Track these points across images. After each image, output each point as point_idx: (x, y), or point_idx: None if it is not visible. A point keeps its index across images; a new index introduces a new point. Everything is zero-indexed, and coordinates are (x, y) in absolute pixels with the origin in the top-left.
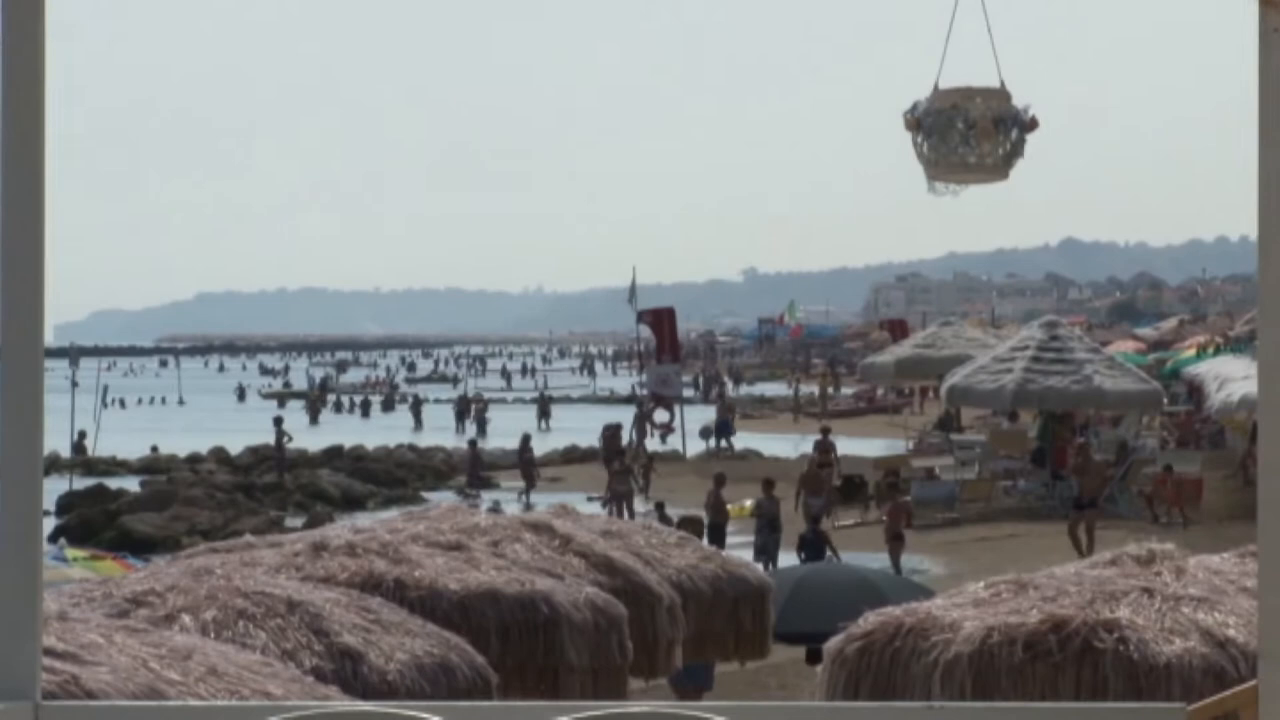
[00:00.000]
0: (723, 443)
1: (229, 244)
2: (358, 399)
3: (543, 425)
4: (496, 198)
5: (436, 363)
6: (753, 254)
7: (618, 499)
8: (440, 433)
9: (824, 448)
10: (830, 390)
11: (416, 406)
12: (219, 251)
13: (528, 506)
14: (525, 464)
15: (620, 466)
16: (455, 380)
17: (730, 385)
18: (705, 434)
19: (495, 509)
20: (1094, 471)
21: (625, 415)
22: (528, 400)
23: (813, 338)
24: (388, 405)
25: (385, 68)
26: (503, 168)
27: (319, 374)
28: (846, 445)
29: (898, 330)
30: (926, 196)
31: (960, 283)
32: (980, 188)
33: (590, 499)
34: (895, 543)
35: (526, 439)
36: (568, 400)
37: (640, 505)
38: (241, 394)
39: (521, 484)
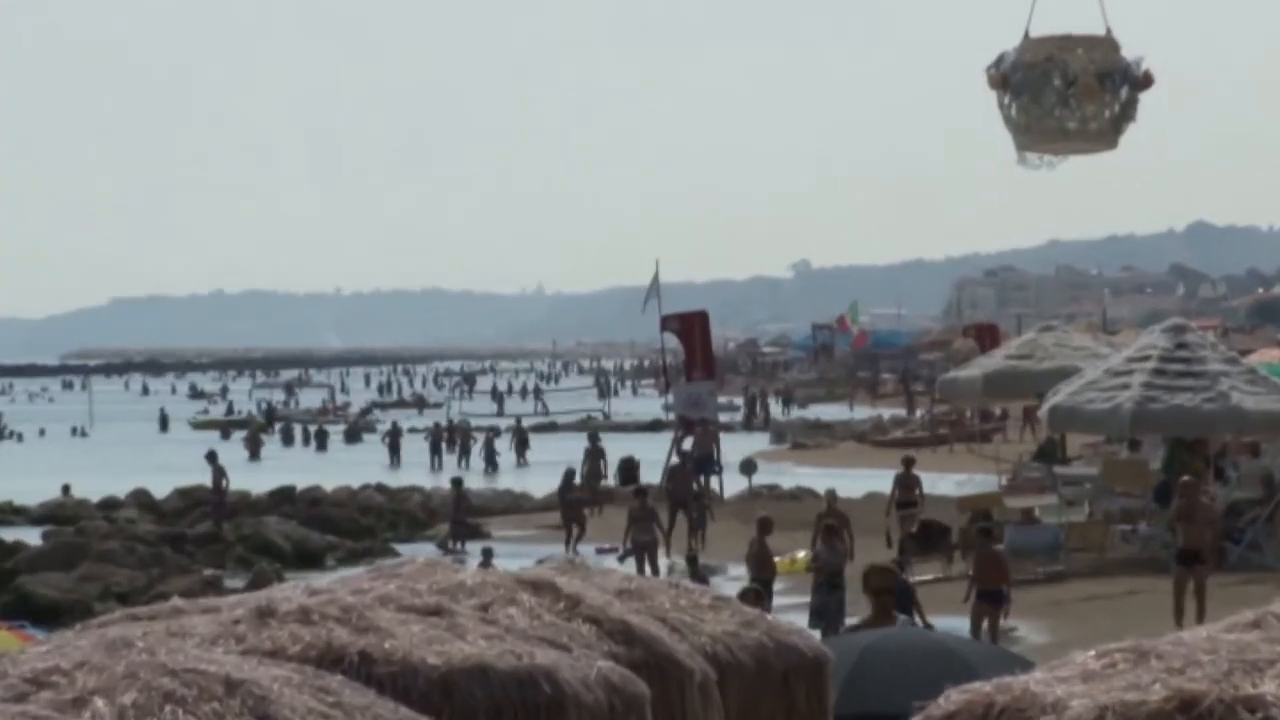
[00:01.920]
0: (704, 481)
1: (151, 239)
2: (313, 429)
3: (521, 460)
4: (482, 178)
5: (412, 381)
6: (805, 245)
7: (639, 550)
8: (417, 470)
9: (906, 483)
10: (904, 413)
11: (394, 438)
12: (139, 248)
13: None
14: (570, 506)
15: (641, 510)
16: (436, 404)
17: (779, 406)
18: (746, 469)
19: (485, 562)
20: (1201, 516)
21: (647, 445)
22: (533, 426)
23: (881, 347)
24: (352, 436)
25: (347, 29)
26: (489, 143)
27: (265, 398)
28: (925, 482)
29: (986, 337)
30: (1018, 171)
31: (1064, 278)
32: (1083, 159)
33: (601, 551)
34: (985, 602)
35: (570, 476)
36: (577, 429)
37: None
38: (165, 423)
39: (563, 532)
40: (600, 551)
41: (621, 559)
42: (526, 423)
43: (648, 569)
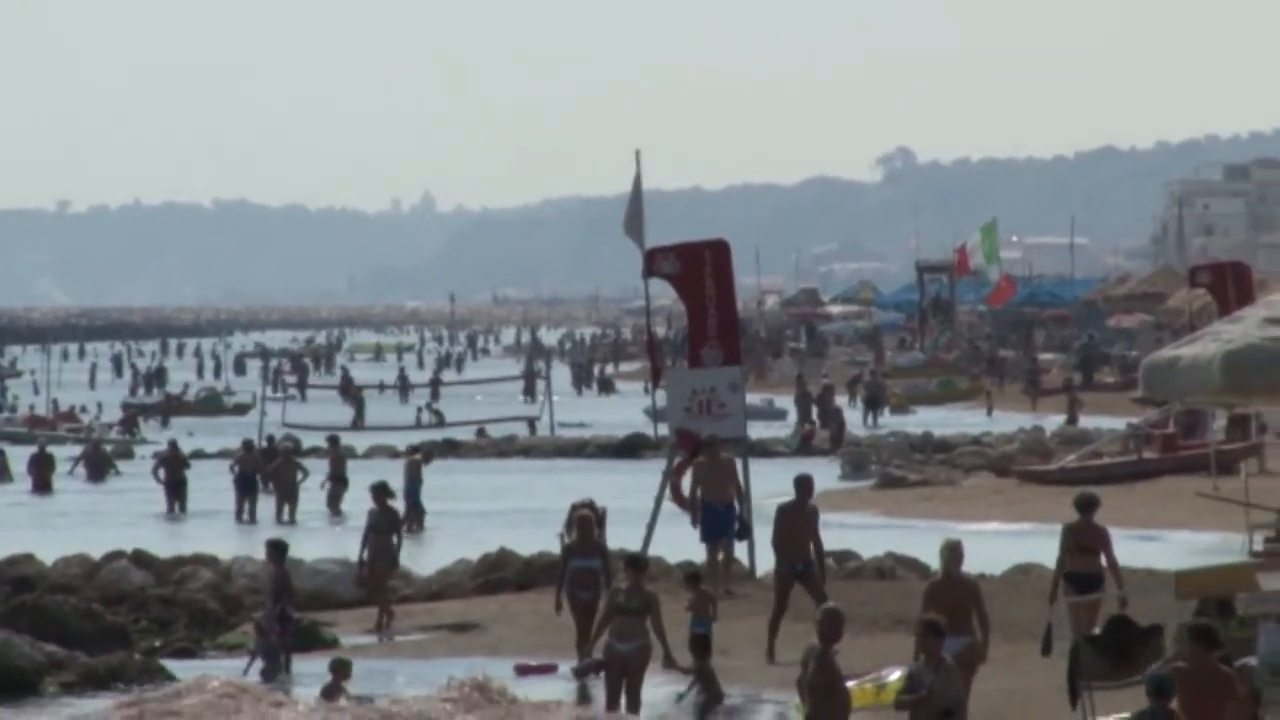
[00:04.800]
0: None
1: None
2: (22, 452)
3: (334, 512)
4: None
5: (202, 367)
6: (905, 126)
7: (614, 666)
8: (211, 525)
9: (1085, 541)
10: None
11: (170, 467)
12: None
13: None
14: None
15: (632, 595)
16: (239, 407)
17: (858, 412)
18: None
19: (335, 686)
20: None
21: (621, 479)
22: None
23: (1040, 304)
24: (95, 469)
25: None
26: None
27: None
28: (1124, 546)
29: (1230, 285)
30: None
31: None
32: None
33: (525, 670)
34: None
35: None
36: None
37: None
38: None
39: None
40: (524, 672)
41: (583, 675)
42: (411, 441)
43: (623, 700)
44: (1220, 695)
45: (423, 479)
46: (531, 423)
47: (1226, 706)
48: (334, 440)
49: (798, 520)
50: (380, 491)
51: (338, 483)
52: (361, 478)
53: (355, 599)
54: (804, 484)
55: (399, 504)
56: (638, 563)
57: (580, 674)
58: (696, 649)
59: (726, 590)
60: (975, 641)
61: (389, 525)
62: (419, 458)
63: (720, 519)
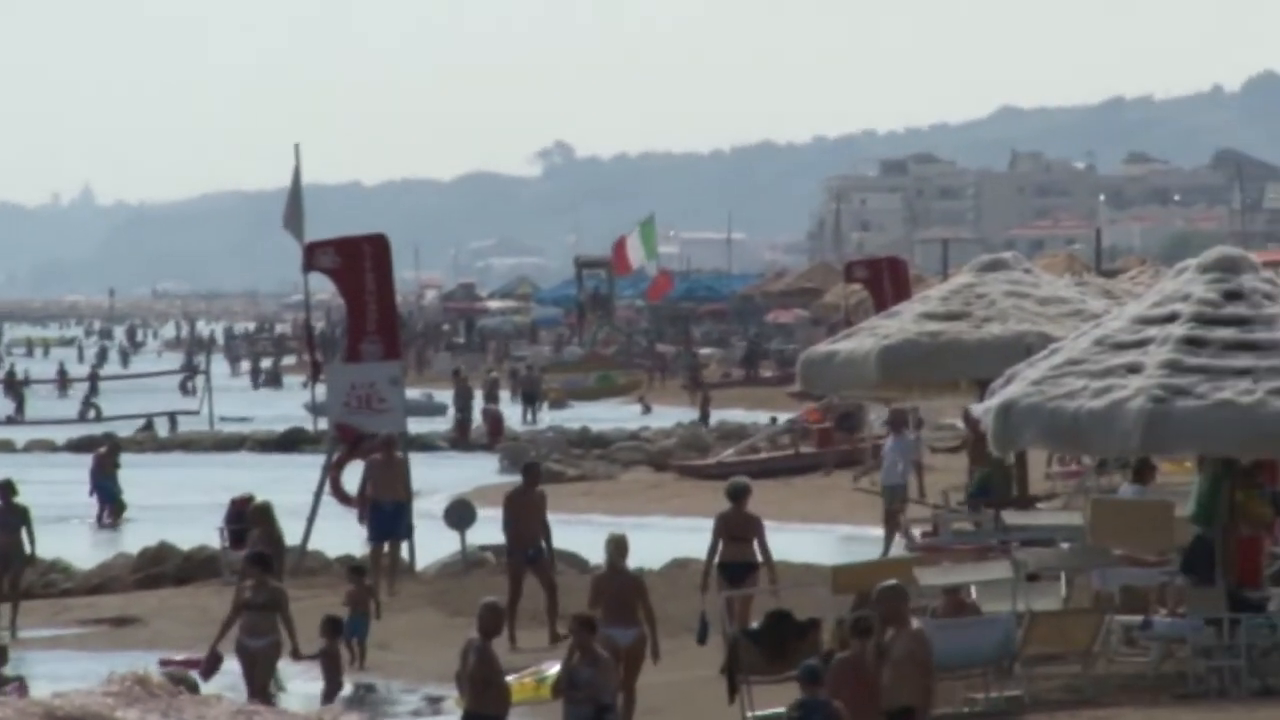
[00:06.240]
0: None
1: None
2: None
3: None
4: None
5: None
6: (564, 120)
7: (247, 661)
8: None
9: (737, 530)
10: (751, 415)
11: None
12: None
13: None
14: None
15: (259, 591)
16: None
17: (516, 407)
18: (457, 519)
19: None
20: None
21: (278, 475)
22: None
23: (698, 298)
24: None
25: None
26: None
27: None
28: (779, 538)
29: (886, 280)
30: None
31: (1026, 174)
32: None
33: (169, 664)
34: None
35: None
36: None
37: None
38: None
39: (131, 628)
40: (167, 665)
41: (206, 675)
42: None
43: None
44: (878, 690)
45: (116, 472)
46: (173, 417)
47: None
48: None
49: (526, 507)
50: (4, 489)
51: None
52: (19, 473)
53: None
54: (531, 470)
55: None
56: (262, 560)
57: (206, 673)
58: (327, 631)
59: (394, 588)
60: (643, 634)
61: (18, 522)
62: (104, 451)
63: (389, 517)
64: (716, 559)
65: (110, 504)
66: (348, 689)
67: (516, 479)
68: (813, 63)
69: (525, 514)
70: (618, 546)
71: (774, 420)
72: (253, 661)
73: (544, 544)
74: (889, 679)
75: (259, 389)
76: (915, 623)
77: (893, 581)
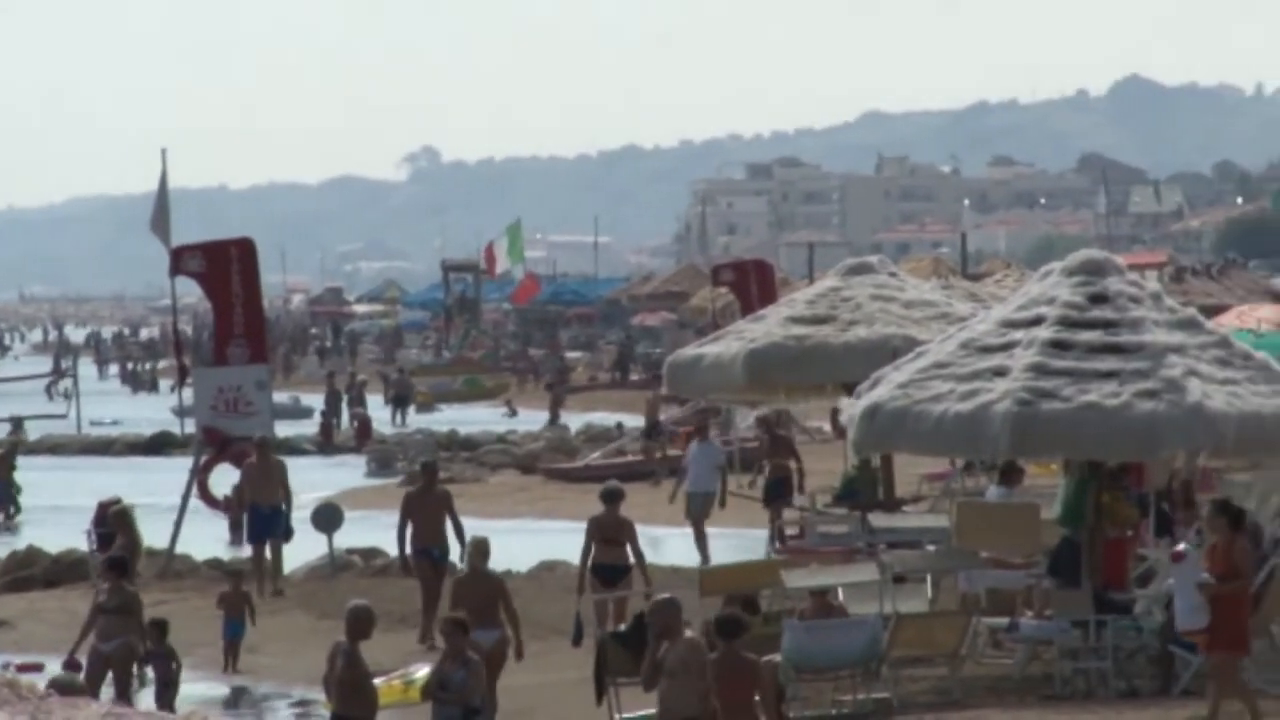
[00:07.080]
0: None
1: None
2: None
3: None
4: None
5: None
6: (433, 125)
7: (93, 668)
8: None
9: (610, 533)
10: (612, 418)
11: None
12: None
13: None
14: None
15: (115, 596)
16: None
17: (385, 409)
18: (325, 522)
19: None
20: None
21: (145, 478)
22: None
23: (565, 302)
24: None
25: None
26: None
27: None
28: (646, 541)
29: (751, 281)
30: None
31: (892, 177)
32: None
33: (24, 670)
34: None
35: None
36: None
37: None
38: None
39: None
40: (22, 670)
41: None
42: None
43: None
44: (748, 683)
45: (13, 474)
46: (18, 422)
47: (754, 693)
48: None
49: (427, 506)
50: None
51: None
52: None
53: None
54: (429, 469)
55: None
56: (118, 565)
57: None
58: (153, 634)
59: (277, 590)
60: (505, 635)
61: None
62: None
63: (267, 520)
64: (590, 561)
65: (7, 505)
66: (225, 690)
67: (385, 481)
68: (678, 66)
69: (426, 513)
70: (478, 549)
71: (619, 426)
72: (106, 664)
73: (449, 545)
74: (665, 691)
75: (136, 393)
76: (689, 632)
77: (666, 595)
